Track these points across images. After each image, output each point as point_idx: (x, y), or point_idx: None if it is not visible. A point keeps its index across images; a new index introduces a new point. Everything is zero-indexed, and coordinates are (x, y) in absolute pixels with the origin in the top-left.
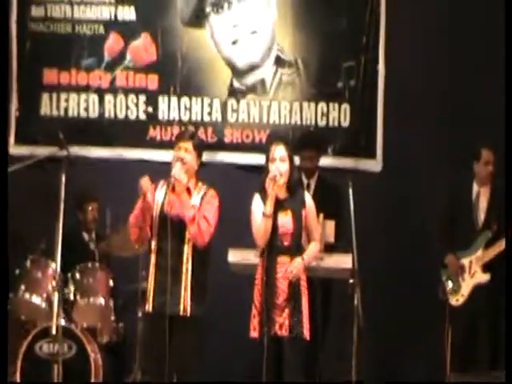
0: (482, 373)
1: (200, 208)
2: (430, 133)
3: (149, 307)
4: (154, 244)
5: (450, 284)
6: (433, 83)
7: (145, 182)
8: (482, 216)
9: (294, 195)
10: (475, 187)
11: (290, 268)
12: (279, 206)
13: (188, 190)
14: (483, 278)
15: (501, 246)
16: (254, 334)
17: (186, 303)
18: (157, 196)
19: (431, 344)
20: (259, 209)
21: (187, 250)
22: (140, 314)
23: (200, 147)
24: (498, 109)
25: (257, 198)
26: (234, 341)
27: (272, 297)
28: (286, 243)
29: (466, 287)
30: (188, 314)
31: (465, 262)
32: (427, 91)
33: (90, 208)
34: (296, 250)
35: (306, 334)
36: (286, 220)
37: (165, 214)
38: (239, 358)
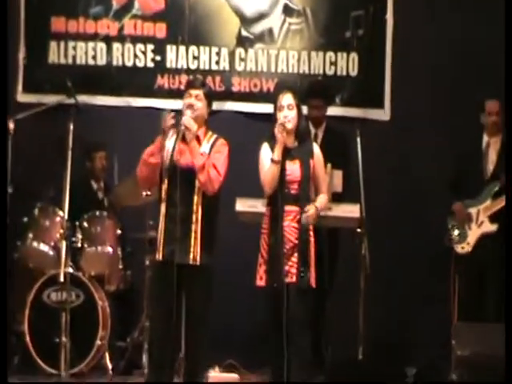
0: (487, 323)
1: (209, 156)
2: (439, 82)
3: (159, 256)
4: (163, 193)
5: (456, 231)
6: (442, 32)
7: (170, 117)
8: (491, 167)
9: (302, 144)
10: (485, 138)
11: (304, 215)
12: (287, 154)
13: (198, 139)
14: (490, 228)
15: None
16: (261, 282)
17: (195, 252)
18: (167, 145)
19: (438, 292)
20: (267, 156)
21: (197, 200)
22: (148, 263)
23: (210, 95)
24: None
25: (265, 146)
26: (240, 290)
27: (279, 245)
28: (293, 191)
29: (473, 236)
30: (198, 263)
31: (472, 211)
32: (436, 40)
33: (98, 156)
34: (304, 199)
35: (313, 282)
36: (293, 168)
37: (174, 163)
38: (245, 307)
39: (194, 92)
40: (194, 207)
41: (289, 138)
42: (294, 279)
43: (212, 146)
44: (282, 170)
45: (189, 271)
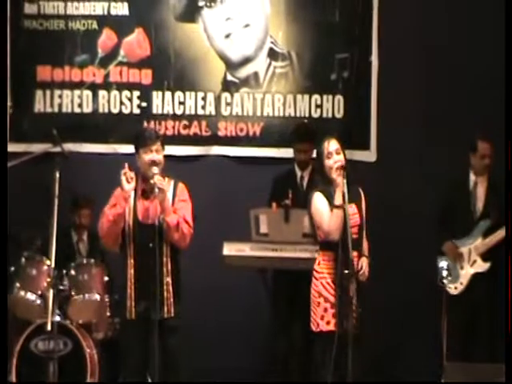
0: (480, 363)
1: (174, 203)
2: (425, 123)
3: (130, 315)
4: (130, 251)
5: (448, 271)
6: (427, 74)
7: (130, 177)
8: (480, 205)
9: (351, 187)
10: (472, 177)
11: (362, 270)
12: (344, 198)
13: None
14: (483, 266)
15: (500, 234)
16: (329, 327)
17: (169, 305)
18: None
19: (429, 332)
20: (324, 204)
21: (166, 252)
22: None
23: (163, 140)
24: (495, 99)
25: (318, 195)
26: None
27: (347, 290)
28: (354, 236)
29: (465, 275)
30: (172, 315)
31: (464, 250)
32: (421, 82)
33: (83, 213)
34: (360, 244)
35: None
36: (352, 211)
37: (139, 221)
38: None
39: (153, 147)
40: (165, 259)
41: (342, 180)
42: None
43: (174, 191)
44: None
45: (162, 325)
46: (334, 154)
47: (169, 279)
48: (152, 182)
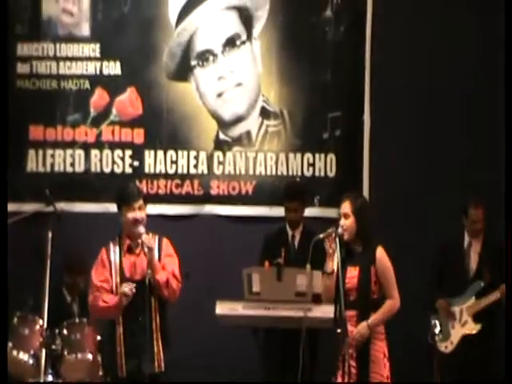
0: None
1: (160, 259)
2: (418, 183)
3: (121, 373)
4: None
5: (439, 329)
6: (420, 132)
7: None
8: (473, 266)
9: (366, 249)
10: (467, 238)
11: (355, 332)
12: (350, 260)
13: (143, 243)
14: (474, 328)
15: (493, 296)
16: None
17: (159, 359)
18: (112, 257)
19: None
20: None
21: (154, 306)
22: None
23: (145, 197)
24: (488, 163)
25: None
26: None
27: (340, 348)
28: (351, 298)
29: (456, 335)
30: (162, 370)
31: (456, 309)
32: (413, 141)
33: (77, 278)
34: (364, 304)
35: None
36: (352, 274)
37: (125, 276)
38: None
39: (136, 204)
40: (153, 314)
41: (354, 243)
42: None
43: (159, 247)
44: (343, 277)
45: (153, 379)
46: (342, 216)
47: (157, 334)
48: (140, 241)
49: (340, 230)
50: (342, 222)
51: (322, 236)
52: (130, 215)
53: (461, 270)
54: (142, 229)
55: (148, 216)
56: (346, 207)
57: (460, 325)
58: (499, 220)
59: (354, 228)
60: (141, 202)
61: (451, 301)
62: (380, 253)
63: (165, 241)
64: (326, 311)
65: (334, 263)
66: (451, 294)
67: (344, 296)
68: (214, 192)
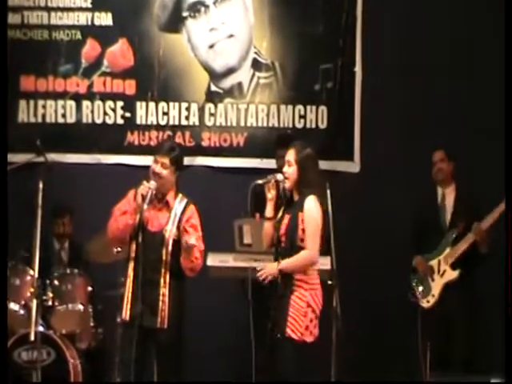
0: (459, 374)
1: (184, 224)
2: (408, 134)
3: (125, 316)
4: (132, 252)
5: (420, 288)
6: (410, 85)
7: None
8: (448, 217)
9: (301, 198)
10: (439, 190)
11: (261, 267)
12: (287, 207)
13: (167, 203)
14: (452, 275)
15: (467, 241)
16: (311, 338)
17: (163, 316)
18: (138, 200)
19: (407, 347)
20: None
21: (165, 263)
22: (119, 320)
23: (178, 161)
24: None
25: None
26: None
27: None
28: (283, 244)
29: (436, 287)
30: (165, 326)
31: (433, 262)
32: (404, 91)
33: (61, 222)
34: (292, 251)
35: (291, 333)
36: (285, 222)
37: (144, 226)
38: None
39: (160, 159)
40: (163, 270)
41: (295, 191)
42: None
43: (183, 212)
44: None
45: (157, 334)
46: (285, 163)
47: (165, 290)
48: (166, 198)
49: (280, 176)
50: (285, 169)
51: (260, 182)
52: (151, 166)
53: (437, 224)
54: (152, 183)
55: (178, 175)
56: (291, 155)
57: (439, 276)
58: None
59: (295, 176)
60: (166, 159)
61: (428, 256)
62: (309, 201)
63: (191, 207)
64: (322, 263)
65: (272, 209)
66: (428, 249)
67: (278, 243)
68: (205, 144)
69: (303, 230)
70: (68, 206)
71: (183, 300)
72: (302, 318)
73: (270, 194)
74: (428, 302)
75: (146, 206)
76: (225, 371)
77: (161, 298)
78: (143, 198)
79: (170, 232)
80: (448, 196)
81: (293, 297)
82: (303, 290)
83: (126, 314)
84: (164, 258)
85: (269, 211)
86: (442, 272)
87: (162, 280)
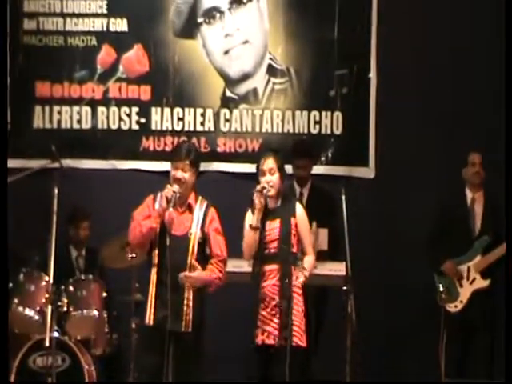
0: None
1: (207, 228)
2: (423, 139)
3: (149, 321)
4: (155, 258)
5: (447, 291)
6: (426, 90)
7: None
8: (478, 222)
9: (285, 204)
10: (469, 194)
11: (298, 279)
12: (269, 214)
13: (189, 206)
14: (483, 283)
15: (500, 251)
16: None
17: (188, 319)
18: (156, 206)
19: (428, 352)
20: (248, 222)
21: (191, 265)
22: (134, 326)
23: (197, 161)
24: (495, 115)
25: (249, 213)
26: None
27: (260, 306)
28: (272, 250)
29: (465, 294)
30: (189, 330)
31: (463, 268)
32: (420, 98)
33: (82, 226)
34: (285, 256)
35: (298, 341)
36: (273, 226)
37: (168, 230)
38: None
39: (180, 164)
40: (188, 272)
41: (272, 199)
42: (274, 341)
43: (205, 215)
44: (263, 232)
45: (179, 338)
46: (267, 173)
47: (189, 294)
48: (188, 202)
49: (266, 185)
50: (269, 178)
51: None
52: (172, 172)
53: (466, 228)
54: (175, 187)
55: (198, 178)
56: (271, 163)
57: (468, 283)
58: (499, 176)
59: (279, 183)
60: (187, 163)
61: (457, 260)
62: (300, 207)
63: (211, 211)
64: (331, 268)
65: (260, 218)
66: (457, 252)
67: (263, 249)
68: (220, 149)
69: (294, 236)
70: (86, 210)
71: (204, 303)
72: (302, 323)
73: (260, 204)
74: (456, 306)
75: (171, 209)
76: (239, 375)
77: (185, 301)
78: (168, 201)
79: (195, 235)
80: (478, 200)
81: (293, 304)
82: (301, 297)
83: (149, 318)
84: (189, 261)
85: (256, 220)
86: (472, 279)
87: (186, 284)
